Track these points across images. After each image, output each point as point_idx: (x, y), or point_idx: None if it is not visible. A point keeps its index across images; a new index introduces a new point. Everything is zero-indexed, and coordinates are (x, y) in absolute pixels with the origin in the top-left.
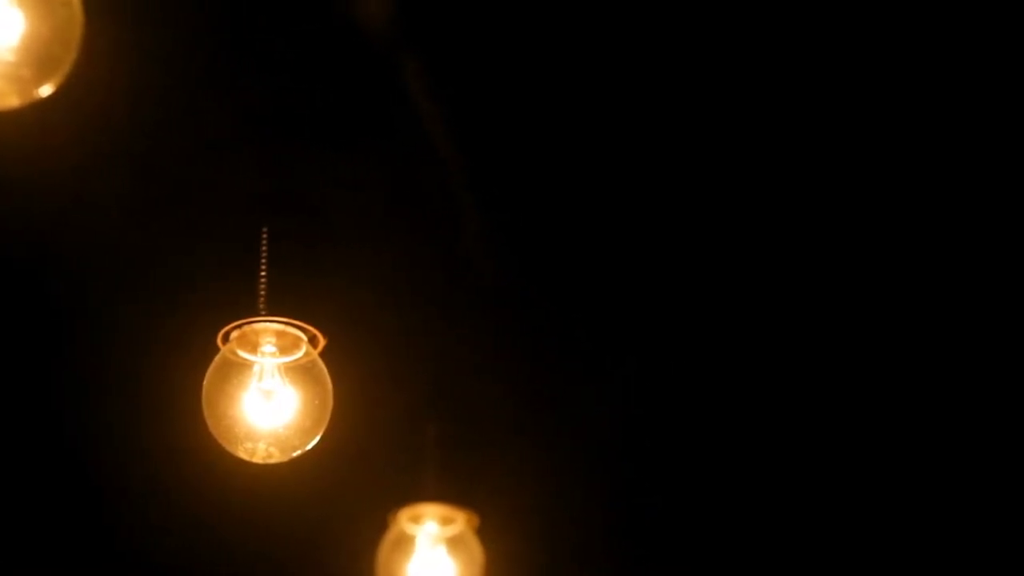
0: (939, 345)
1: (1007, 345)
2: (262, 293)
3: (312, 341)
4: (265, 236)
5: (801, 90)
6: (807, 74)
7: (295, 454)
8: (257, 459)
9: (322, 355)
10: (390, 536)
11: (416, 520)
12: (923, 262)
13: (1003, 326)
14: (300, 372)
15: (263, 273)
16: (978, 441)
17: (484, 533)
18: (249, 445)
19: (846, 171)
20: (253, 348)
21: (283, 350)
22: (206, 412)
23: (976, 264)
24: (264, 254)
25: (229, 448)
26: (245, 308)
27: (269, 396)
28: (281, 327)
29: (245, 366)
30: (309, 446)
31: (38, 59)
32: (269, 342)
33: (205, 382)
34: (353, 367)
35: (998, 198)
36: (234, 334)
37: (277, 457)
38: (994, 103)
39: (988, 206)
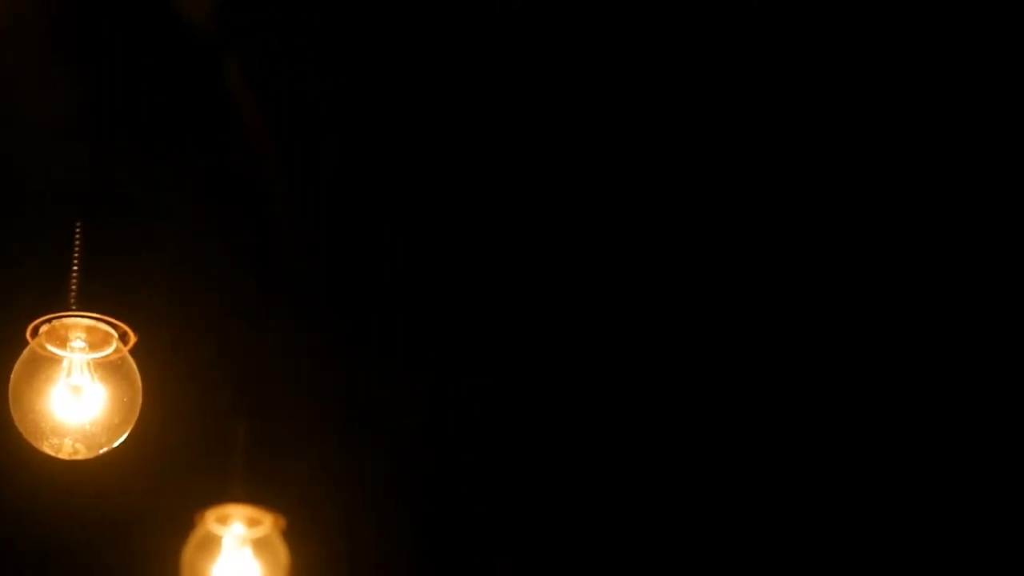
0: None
1: (1004, 344)
2: (74, 288)
3: (123, 338)
4: (79, 231)
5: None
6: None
7: (102, 451)
8: (63, 455)
9: (132, 352)
10: (196, 536)
11: (223, 521)
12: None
13: (1001, 325)
14: (109, 368)
15: (75, 268)
16: (948, 441)
17: (290, 535)
18: (55, 440)
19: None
20: (62, 343)
21: (93, 346)
22: (12, 406)
23: (972, 264)
24: (77, 249)
25: (35, 443)
26: (56, 302)
27: (77, 392)
28: (91, 322)
29: (54, 361)
30: (116, 443)
31: None
32: (79, 337)
33: (12, 376)
34: (163, 365)
35: (998, 198)
36: (43, 328)
37: (83, 453)
38: (994, 103)
39: (988, 206)
